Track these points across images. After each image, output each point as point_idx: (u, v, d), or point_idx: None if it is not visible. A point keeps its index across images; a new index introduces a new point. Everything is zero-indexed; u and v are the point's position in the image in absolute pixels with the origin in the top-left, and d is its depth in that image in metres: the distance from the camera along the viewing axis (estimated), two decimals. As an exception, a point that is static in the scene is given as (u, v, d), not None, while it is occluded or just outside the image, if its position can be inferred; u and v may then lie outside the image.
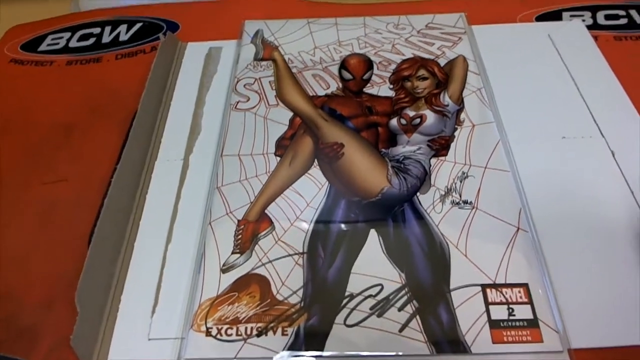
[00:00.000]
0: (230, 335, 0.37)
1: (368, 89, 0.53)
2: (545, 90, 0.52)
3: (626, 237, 0.41)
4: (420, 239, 0.41)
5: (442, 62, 0.54)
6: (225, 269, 0.41)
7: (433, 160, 0.46)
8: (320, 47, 0.58)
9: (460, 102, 0.50)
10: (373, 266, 0.40)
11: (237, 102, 0.53)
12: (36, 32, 0.68)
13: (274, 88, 0.54)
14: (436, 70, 0.52)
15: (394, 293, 0.38)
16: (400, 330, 0.37)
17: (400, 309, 0.38)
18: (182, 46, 0.62)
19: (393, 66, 0.54)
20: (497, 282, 0.39)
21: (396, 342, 0.36)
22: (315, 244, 0.42)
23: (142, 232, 0.45)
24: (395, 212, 0.43)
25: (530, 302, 0.38)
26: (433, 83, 0.51)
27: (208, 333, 0.37)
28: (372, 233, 0.42)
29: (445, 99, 0.50)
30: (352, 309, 0.38)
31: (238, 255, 0.41)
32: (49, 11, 0.71)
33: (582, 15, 0.62)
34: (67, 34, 0.67)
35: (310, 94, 0.52)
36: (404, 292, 0.38)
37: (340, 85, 0.53)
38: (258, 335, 0.37)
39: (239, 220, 0.43)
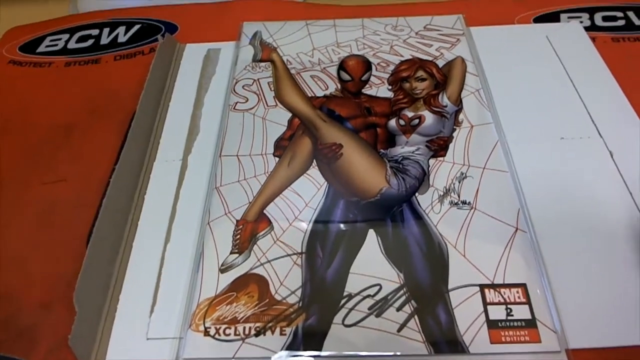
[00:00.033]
0: (229, 335, 0.37)
1: (367, 90, 0.53)
2: (544, 91, 0.52)
3: (624, 238, 0.41)
4: (418, 239, 0.41)
5: (441, 63, 0.54)
6: (224, 268, 0.41)
7: (432, 161, 0.46)
8: (318, 48, 0.58)
9: (458, 103, 0.50)
10: (371, 266, 0.40)
11: (236, 103, 0.53)
12: (35, 34, 0.68)
13: (272, 89, 0.54)
14: (435, 72, 0.52)
15: (392, 293, 0.38)
16: (399, 330, 0.37)
17: (398, 309, 0.38)
18: (180, 48, 0.62)
19: (391, 67, 0.54)
20: (495, 282, 0.39)
21: (394, 342, 0.36)
22: (314, 244, 0.42)
23: (140, 232, 0.45)
24: (393, 212, 0.43)
25: (529, 302, 0.38)
26: (431, 84, 0.51)
27: (206, 333, 0.37)
28: (371, 233, 0.42)
29: (444, 99, 0.50)
30: (351, 309, 0.38)
31: (236, 255, 0.41)
32: (48, 13, 0.71)
33: (580, 17, 0.62)
34: (66, 36, 0.67)
35: (309, 95, 0.53)
36: (402, 292, 0.38)
37: (339, 86, 0.54)
38: (256, 335, 0.37)
39: (237, 221, 0.43)
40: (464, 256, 0.40)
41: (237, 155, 0.48)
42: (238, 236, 0.42)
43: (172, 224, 0.45)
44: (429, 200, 0.44)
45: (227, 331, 0.37)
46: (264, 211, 0.44)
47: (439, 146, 0.47)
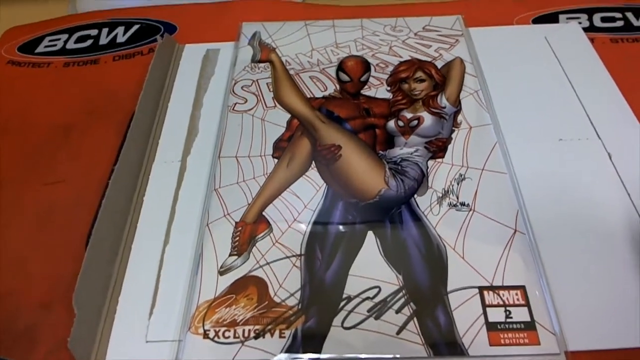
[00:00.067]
0: (228, 337, 0.37)
1: (365, 91, 0.53)
2: (542, 93, 0.52)
3: (623, 239, 0.41)
4: (417, 241, 0.41)
5: (440, 64, 0.54)
6: (223, 271, 0.41)
7: (430, 162, 0.46)
8: (317, 49, 0.58)
9: (457, 104, 0.50)
10: (370, 268, 0.40)
11: (235, 104, 0.53)
12: (33, 34, 0.68)
13: (271, 90, 0.54)
14: (433, 72, 0.52)
15: (391, 295, 0.38)
16: (398, 333, 0.37)
17: (397, 311, 0.38)
18: (179, 48, 0.62)
19: (390, 68, 0.54)
20: (494, 284, 0.39)
21: (393, 345, 0.36)
22: (313, 246, 0.42)
23: (139, 233, 0.45)
24: (392, 214, 0.43)
25: (528, 304, 0.38)
26: (430, 85, 0.51)
27: (205, 335, 0.37)
28: (370, 235, 0.42)
29: (443, 101, 0.50)
30: (350, 311, 0.38)
31: (235, 257, 0.41)
32: (46, 13, 0.71)
33: (579, 18, 0.62)
34: (65, 36, 0.67)
35: (308, 96, 0.52)
36: (401, 294, 0.38)
37: (338, 87, 0.54)
38: (255, 338, 0.37)
39: (236, 222, 0.43)
40: (463, 258, 0.40)
41: (236, 157, 0.48)
42: (237, 238, 0.42)
43: (171, 226, 0.45)
44: (427, 201, 0.44)
45: (227, 334, 0.37)
46: (263, 213, 0.44)
47: (437, 147, 0.47)
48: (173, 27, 0.66)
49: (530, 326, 0.37)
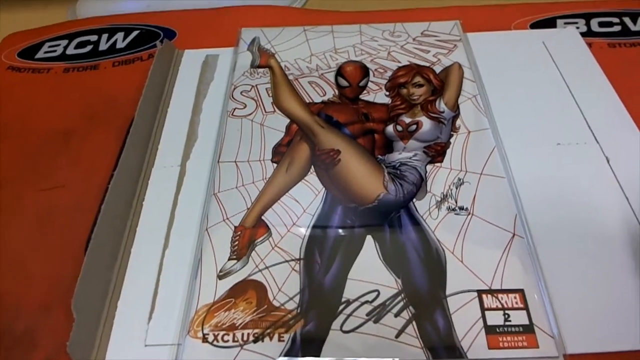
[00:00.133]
0: (227, 341, 0.37)
1: (364, 96, 0.53)
2: (540, 97, 0.52)
3: (621, 243, 0.41)
4: (416, 245, 0.42)
5: (438, 69, 0.54)
6: (222, 275, 0.41)
7: (429, 167, 0.46)
8: (316, 54, 0.58)
9: (456, 108, 0.50)
10: (369, 272, 0.40)
11: (234, 109, 0.53)
12: (33, 40, 0.68)
13: (270, 95, 0.54)
14: (432, 77, 0.53)
15: (390, 299, 0.39)
16: (397, 336, 0.37)
17: (396, 315, 0.38)
18: (179, 53, 0.62)
19: (389, 73, 0.55)
20: (492, 287, 0.39)
21: (392, 348, 0.36)
22: (312, 250, 0.42)
23: (139, 238, 0.45)
24: (391, 218, 0.43)
25: (526, 307, 0.38)
26: (429, 90, 0.52)
27: (205, 339, 0.37)
28: (369, 239, 0.42)
29: (441, 105, 0.50)
30: (349, 315, 0.38)
31: (235, 261, 0.41)
32: (46, 19, 0.72)
33: (576, 23, 0.63)
34: (64, 42, 0.67)
35: (307, 101, 0.53)
36: (400, 298, 0.39)
37: (337, 92, 0.54)
38: (255, 342, 0.37)
39: (235, 227, 0.44)
40: (462, 262, 0.40)
41: (235, 162, 0.48)
42: (236, 242, 0.42)
43: (170, 230, 0.45)
44: (426, 206, 0.44)
45: (226, 337, 0.37)
46: (262, 217, 0.44)
47: (436, 152, 0.47)
48: (172, 32, 0.67)
49: (528, 329, 0.37)
